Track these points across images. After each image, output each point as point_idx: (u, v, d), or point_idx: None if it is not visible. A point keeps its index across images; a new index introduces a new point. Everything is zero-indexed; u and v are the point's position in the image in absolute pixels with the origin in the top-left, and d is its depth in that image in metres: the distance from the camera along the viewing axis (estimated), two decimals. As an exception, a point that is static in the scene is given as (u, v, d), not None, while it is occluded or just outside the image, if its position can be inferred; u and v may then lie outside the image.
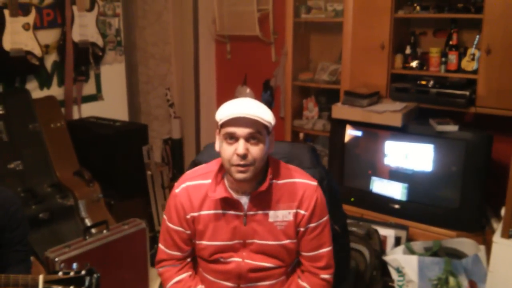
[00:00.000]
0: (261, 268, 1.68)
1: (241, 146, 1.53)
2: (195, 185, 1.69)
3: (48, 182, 3.01)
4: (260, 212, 1.64)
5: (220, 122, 1.57)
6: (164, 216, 1.76)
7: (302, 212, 1.65)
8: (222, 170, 1.67)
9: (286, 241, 1.67)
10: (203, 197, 1.67)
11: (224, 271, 1.69)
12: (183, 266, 1.78)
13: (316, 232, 1.68)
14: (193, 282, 1.76)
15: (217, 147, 1.62)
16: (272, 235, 1.65)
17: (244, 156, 1.53)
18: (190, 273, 1.78)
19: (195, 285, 1.76)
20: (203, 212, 1.67)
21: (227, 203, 1.65)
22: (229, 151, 1.56)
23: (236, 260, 1.67)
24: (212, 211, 1.66)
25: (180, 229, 1.71)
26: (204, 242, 1.68)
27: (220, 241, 1.67)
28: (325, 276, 1.72)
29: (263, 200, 1.64)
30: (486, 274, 2.52)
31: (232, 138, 1.55)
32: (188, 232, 1.70)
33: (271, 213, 1.64)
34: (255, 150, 1.56)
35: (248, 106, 1.56)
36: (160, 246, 1.78)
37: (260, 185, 1.62)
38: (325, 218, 1.70)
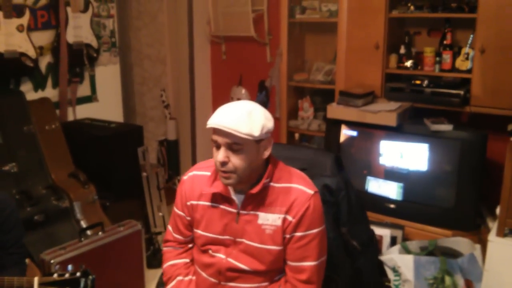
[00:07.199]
0: (239, 270, 1.67)
1: (221, 154, 1.56)
2: (200, 175, 1.75)
3: (43, 184, 3.00)
4: (252, 212, 1.64)
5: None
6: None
7: (289, 218, 1.61)
8: None
9: (272, 247, 1.63)
10: (203, 188, 1.72)
11: (208, 264, 1.72)
12: (184, 251, 1.85)
13: (302, 242, 1.62)
14: (185, 270, 1.81)
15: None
16: (259, 237, 1.64)
17: (223, 164, 1.56)
18: (187, 260, 1.83)
19: (185, 274, 1.80)
20: (201, 202, 1.72)
21: (223, 198, 1.68)
22: (215, 156, 1.59)
23: (220, 256, 1.69)
24: (208, 203, 1.71)
25: (182, 214, 1.79)
26: (199, 231, 1.74)
27: (212, 233, 1.70)
28: None
29: (257, 201, 1.64)
30: (482, 273, 2.53)
31: (218, 145, 1.58)
32: (188, 218, 1.78)
33: (262, 215, 1.64)
34: (236, 159, 1.56)
35: (228, 117, 1.53)
36: (168, 227, 1.87)
37: (254, 186, 1.63)
38: (315, 230, 1.63)
